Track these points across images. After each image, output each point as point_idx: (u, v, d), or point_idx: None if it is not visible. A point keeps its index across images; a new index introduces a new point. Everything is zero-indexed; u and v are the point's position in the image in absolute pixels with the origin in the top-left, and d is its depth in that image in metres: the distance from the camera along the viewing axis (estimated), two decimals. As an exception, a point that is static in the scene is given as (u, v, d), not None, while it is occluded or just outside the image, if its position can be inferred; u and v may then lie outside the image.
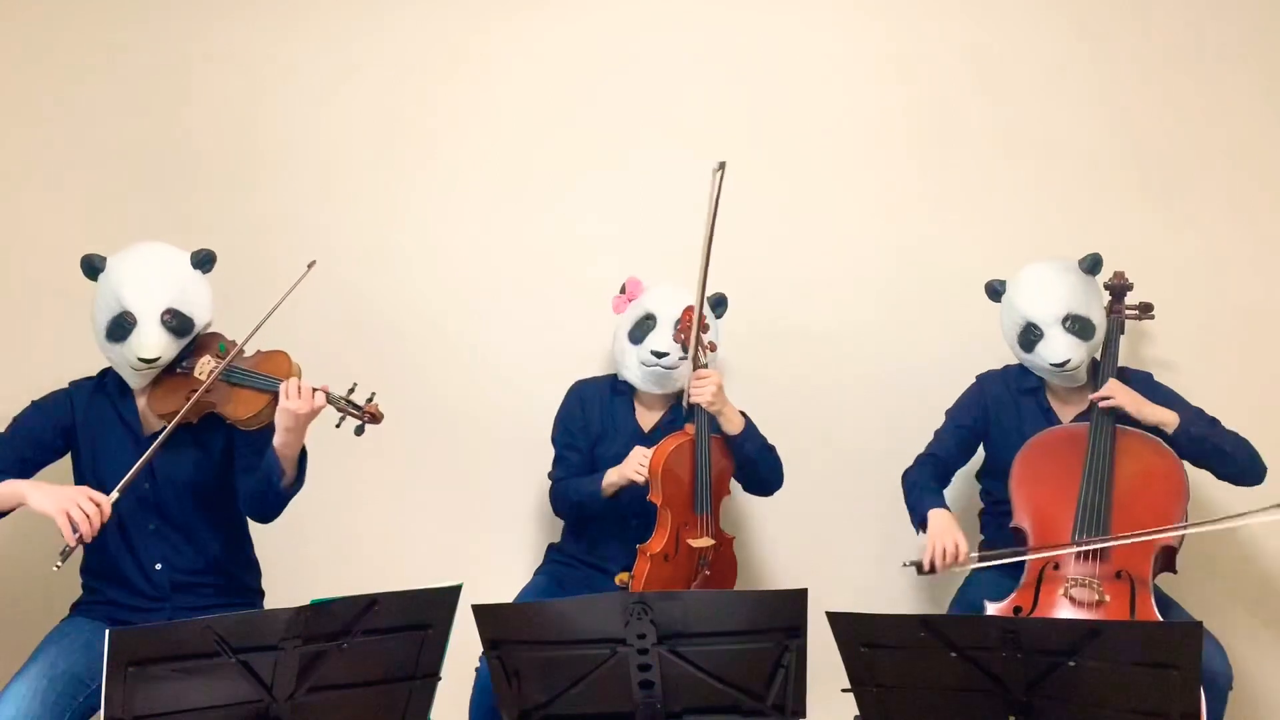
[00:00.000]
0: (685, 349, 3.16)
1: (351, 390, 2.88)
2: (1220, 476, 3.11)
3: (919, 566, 3.03)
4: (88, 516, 2.68)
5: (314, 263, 2.96)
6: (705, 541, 3.11)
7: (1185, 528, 2.97)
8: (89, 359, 3.01)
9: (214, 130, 3.62)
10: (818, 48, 3.68)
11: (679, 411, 3.25)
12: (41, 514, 2.72)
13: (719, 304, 3.36)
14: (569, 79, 3.66)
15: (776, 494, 3.33)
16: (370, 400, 2.88)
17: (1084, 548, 2.93)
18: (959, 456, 3.30)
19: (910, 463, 3.28)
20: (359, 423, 2.86)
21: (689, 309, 3.17)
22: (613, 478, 3.15)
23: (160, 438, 2.83)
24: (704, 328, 3.17)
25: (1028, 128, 3.63)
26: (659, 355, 3.20)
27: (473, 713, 3.01)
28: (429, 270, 3.65)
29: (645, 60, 3.67)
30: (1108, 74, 3.62)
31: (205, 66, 3.62)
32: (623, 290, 3.35)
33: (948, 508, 3.13)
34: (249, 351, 2.96)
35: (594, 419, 3.30)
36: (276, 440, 2.85)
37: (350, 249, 3.60)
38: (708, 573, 3.14)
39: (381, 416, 2.89)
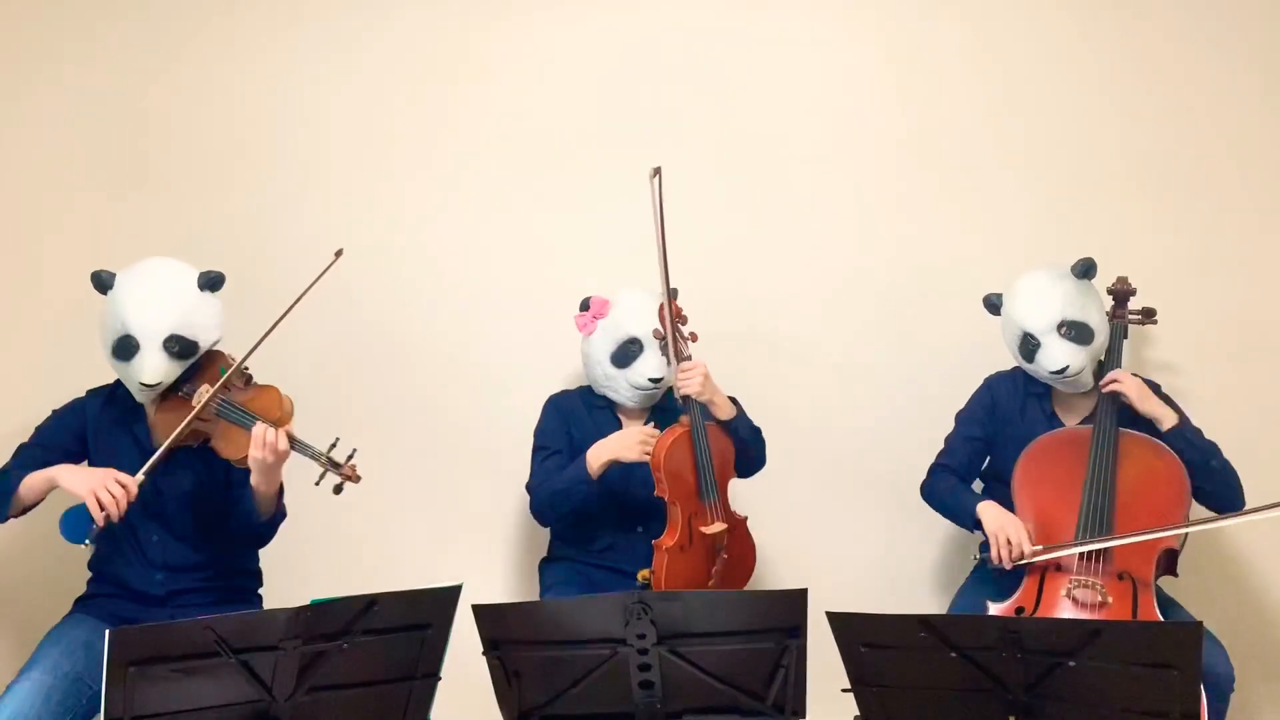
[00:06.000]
0: (665, 348, 3.17)
1: (333, 446, 2.86)
2: (1197, 493, 3.07)
3: (987, 560, 3.02)
4: (115, 498, 2.75)
5: (341, 251, 2.99)
6: (718, 527, 3.11)
7: (1193, 525, 2.97)
8: (103, 368, 3.04)
9: (213, 134, 3.62)
10: (816, 52, 3.67)
11: (659, 414, 3.28)
12: (71, 493, 2.80)
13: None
14: (567, 82, 3.66)
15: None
16: (350, 459, 2.87)
17: (1113, 543, 2.91)
18: (970, 468, 3.28)
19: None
20: (338, 481, 2.86)
21: (660, 308, 3.19)
22: (604, 456, 3.10)
23: (158, 454, 2.85)
24: (682, 320, 3.19)
25: (1027, 130, 3.63)
26: (655, 381, 3.20)
27: None
28: (427, 275, 3.65)
29: (643, 62, 3.67)
30: (1108, 76, 3.62)
31: (206, 71, 3.62)
32: (585, 307, 3.28)
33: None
34: (253, 367, 2.99)
35: (576, 431, 3.26)
36: (252, 479, 2.87)
37: (353, 253, 3.59)
38: (725, 555, 3.14)
39: (359, 478, 2.88)
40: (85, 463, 3.02)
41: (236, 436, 2.89)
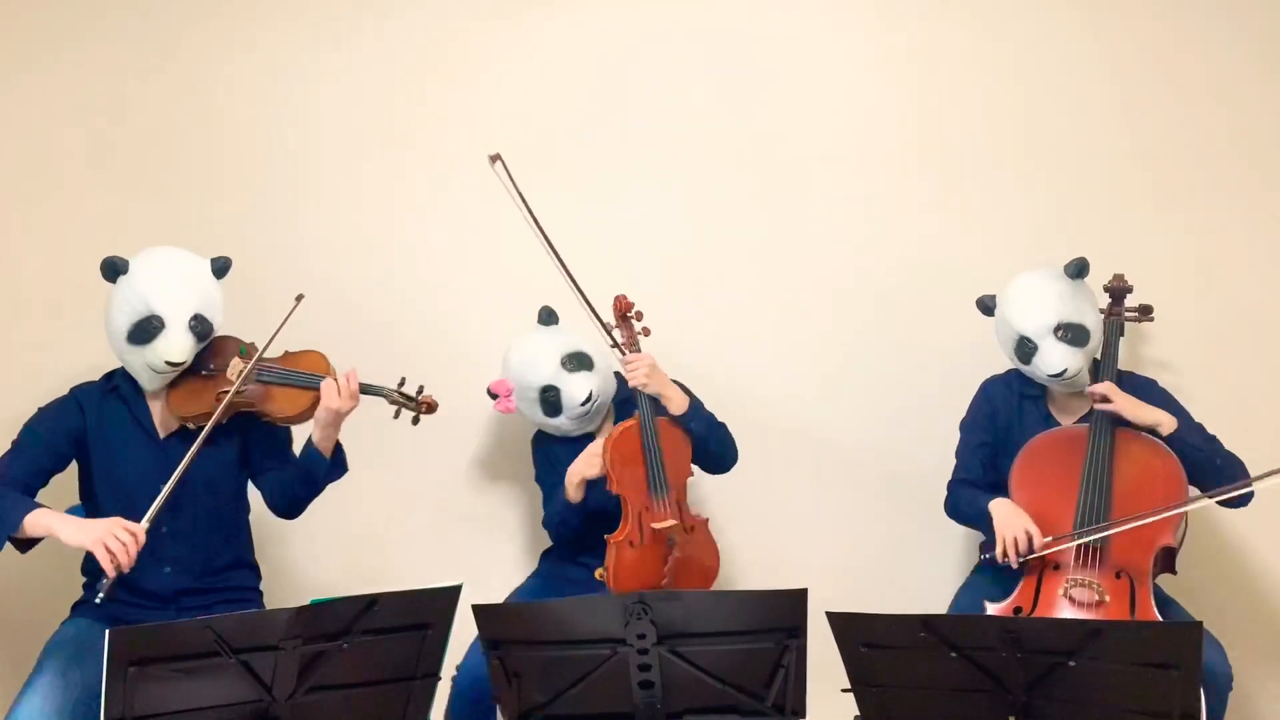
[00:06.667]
0: (614, 340, 3.21)
1: (401, 384, 2.99)
2: (1204, 490, 3.05)
3: (993, 560, 3.00)
4: (125, 546, 2.69)
5: (301, 296, 3.01)
6: (667, 523, 3.09)
7: (1193, 501, 2.96)
8: (99, 361, 3.04)
9: (215, 133, 3.62)
10: (815, 54, 3.67)
11: (622, 408, 3.30)
12: (75, 547, 2.73)
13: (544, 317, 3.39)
14: (563, 82, 3.66)
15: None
16: (421, 391, 3.01)
17: (1113, 532, 2.92)
18: (986, 475, 3.24)
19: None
20: (415, 414, 3.00)
21: (618, 299, 3.24)
22: (574, 479, 3.14)
23: (197, 442, 2.85)
24: (634, 315, 3.23)
25: (1025, 129, 3.63)
26: (585, 403, 3.22)
27: None
28: (427, 272, 3.65)
29: (641, 64, 3.67)
30: (1106, 74, 3.62)
31: (208, 71, 3.62)
32: (494, 398, 3.32)
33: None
34: (271, 353, 3.00)
35: (562, 466, 3.26)
36: (316, 436, 2.95)
37: (346, 250, 3.60)
38: (677, 554, 3.11)
39: (436, 406, 3.02)
40: (75, 462, 2.99)
41: (291, 395, 2.96)
